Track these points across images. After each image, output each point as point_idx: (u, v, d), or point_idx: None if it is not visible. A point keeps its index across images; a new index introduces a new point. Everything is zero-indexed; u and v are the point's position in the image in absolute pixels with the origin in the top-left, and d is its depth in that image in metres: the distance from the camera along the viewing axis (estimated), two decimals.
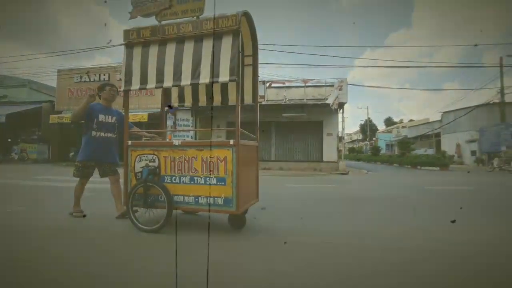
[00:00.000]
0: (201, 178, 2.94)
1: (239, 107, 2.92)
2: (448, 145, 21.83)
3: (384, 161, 24.59)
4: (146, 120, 14.50)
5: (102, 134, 3.64)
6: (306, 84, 14.80)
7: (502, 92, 18.56)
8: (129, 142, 3.26)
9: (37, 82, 21.48)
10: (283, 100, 14.66)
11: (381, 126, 55.18)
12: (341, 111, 15.47)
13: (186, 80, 2.94)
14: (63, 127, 17.38)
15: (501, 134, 17.63)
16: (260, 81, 13.67)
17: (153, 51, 3.13)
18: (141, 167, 3.19)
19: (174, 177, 3.05)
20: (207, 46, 2.91)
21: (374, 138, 39.95)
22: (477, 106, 19.51)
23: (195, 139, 14.57)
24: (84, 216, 3.61)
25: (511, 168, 14.38)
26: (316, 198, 5.84)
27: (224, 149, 2.86)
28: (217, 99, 3.91)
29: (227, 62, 2.79)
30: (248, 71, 3.65)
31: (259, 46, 3.71)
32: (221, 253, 2.46)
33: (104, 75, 17.58)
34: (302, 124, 15.44)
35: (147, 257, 2.40)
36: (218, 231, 3.10)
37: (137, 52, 3.19)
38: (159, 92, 3.42)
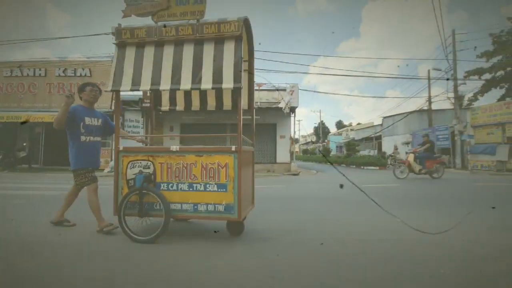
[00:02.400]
0: (200, 184, 2.88)
1: (241, 112, 2.94)
2: (388, 147, 24.26)
3: (333, 162, 26.25)
4: None
5: (91, 138, 3.35)
6: (260, 88, 15.16)
7: (429, 101, 21.23)
8: (121, 147, 3.05)
9: None
10: None
11: (333, 129, 58.88)
12: (293, 115, 16.18)
13: (186, 84, 2.87)
14: None
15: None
16: None
17: (149, 52, 2.99)
18: (134, 174, 3.01)
19: (171, 184, 2.94)
20: (208, 50, 2.89)
21: (326, 140, 42.47)
22: (411, 112, 22.03)
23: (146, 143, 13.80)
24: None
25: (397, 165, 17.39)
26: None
27: (226, 155, 2.85)
28: (212, 104, 3.86)
29: (231, 68, 2.80)
30: (244, 76, 3.67)
31: None
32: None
33: (40, 69, 15.79)
34: (256, 126, 15.60)
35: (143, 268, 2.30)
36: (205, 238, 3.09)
37: (131, 52, 3.02)
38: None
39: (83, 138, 3.29)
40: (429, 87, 21.19)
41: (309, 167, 20.97)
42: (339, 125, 61.93)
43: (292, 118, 16.43)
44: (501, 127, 16.84)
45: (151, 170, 2.98)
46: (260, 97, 14.97)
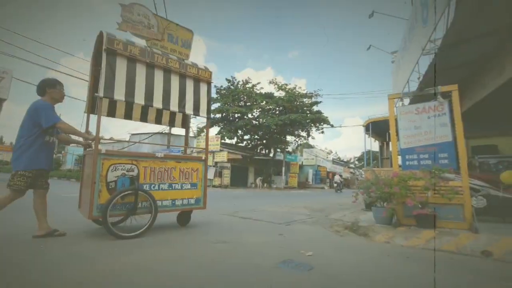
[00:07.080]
0: (178, 184, 3.68)
1: (208, 133, 4.12)
2: None
3: (69, 176, 23.56)
4: None
5: (53, 139, 3.02)
6: None
7: (170, 126, 25.74)
8: (103, 150, 3.07)
9: None
10: None
11: None
12: None
13: (174, 107, 3.64)
14: None
15: None
16: None
17: (141, 70, 3.39)
18: (115, 177, 3.16)
19: (153, 185, 3.45)
20: (189, 85, 3.85)
21: (62, 152, 35.27)
22: (155, 133, 25.36)
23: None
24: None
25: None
26: None
27: (197, 162, 3.89)
28: (165, 120, 4.29)
29: (205, 103, 3.97)
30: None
31: None
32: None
33: None
34: None
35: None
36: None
37: (122, 63, 3.24)
38: None
39: (47, 137, 2.96)
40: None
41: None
42: None
43: None
44: (212, 154, 24.20)
45: (135, 173, 3.32)
46: None
